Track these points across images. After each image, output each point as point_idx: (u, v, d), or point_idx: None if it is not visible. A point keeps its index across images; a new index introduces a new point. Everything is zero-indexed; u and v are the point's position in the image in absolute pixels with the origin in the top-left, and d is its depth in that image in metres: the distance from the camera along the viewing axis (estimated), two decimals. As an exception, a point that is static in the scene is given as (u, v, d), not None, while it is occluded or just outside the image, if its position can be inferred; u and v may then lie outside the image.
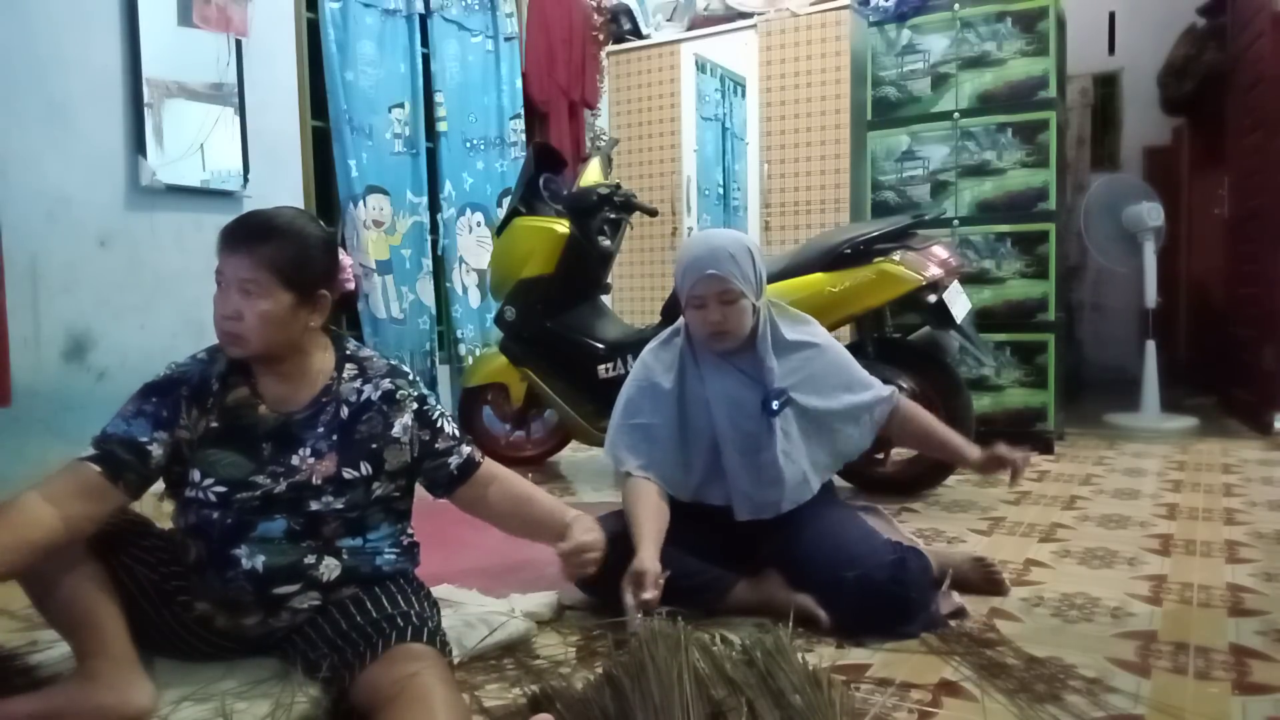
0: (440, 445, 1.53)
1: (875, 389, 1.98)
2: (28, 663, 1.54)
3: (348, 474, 1.43)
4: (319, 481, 1.42)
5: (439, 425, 1.53)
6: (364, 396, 1.48)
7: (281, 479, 1.40)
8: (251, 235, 1.38)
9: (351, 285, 1.58)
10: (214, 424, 1.42)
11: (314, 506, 1.41)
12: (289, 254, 1.39)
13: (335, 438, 1.44)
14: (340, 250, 1.52)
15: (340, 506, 1.43)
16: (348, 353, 1.53)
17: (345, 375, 1.49)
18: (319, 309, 1.45)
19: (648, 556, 1.65)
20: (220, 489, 1.39)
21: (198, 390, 1.43)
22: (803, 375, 1.92)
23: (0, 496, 1.29)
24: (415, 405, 1.51)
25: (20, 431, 2.58)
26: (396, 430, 1.48)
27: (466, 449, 1.57)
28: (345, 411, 1.46)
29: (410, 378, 1.55)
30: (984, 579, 1.92)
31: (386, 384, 1.49)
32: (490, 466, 1.60)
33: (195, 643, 1.45)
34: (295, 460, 1.42)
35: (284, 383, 1.46)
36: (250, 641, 1.45)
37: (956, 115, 3.87)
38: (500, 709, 1.40)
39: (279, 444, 1.43)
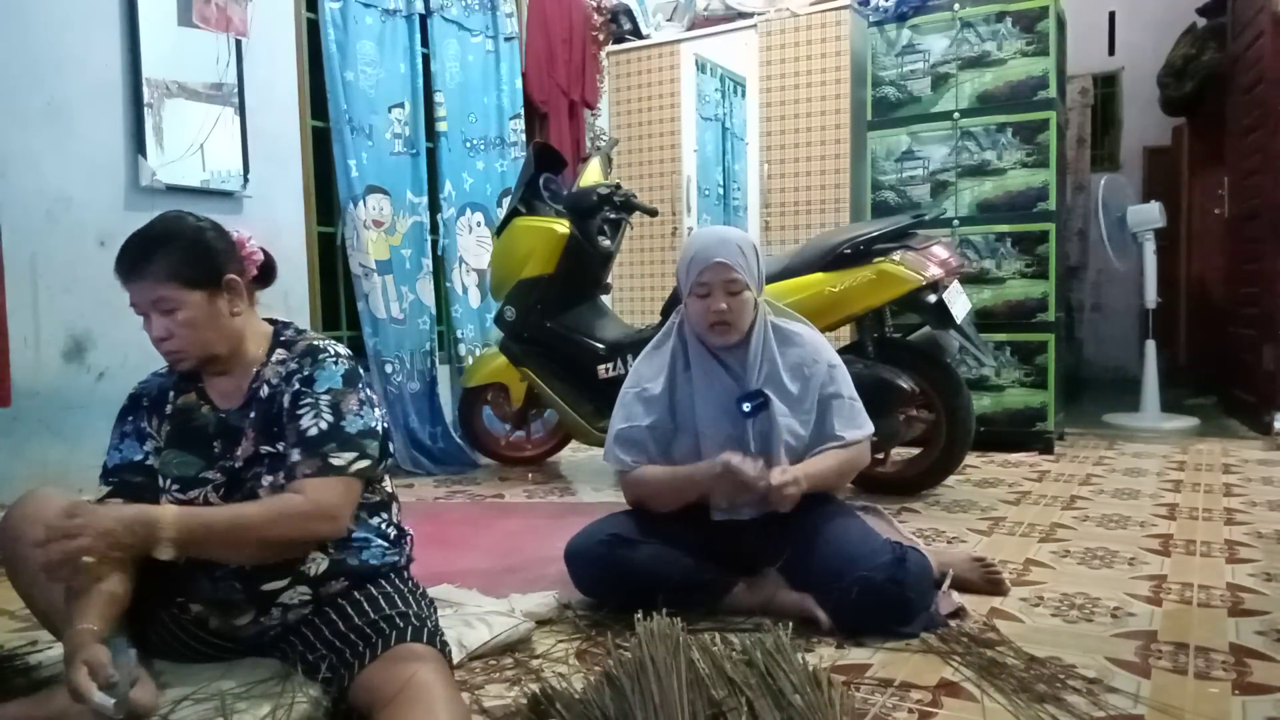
0: (291, 435, 1.41)
1: (853, 427, 1.89)
2: (28, 663, 1.54)
3: (264, 449, 1.43)
4: (240, 465, 1.43)
5: (300, 415, 1.41)
6: (281, 375, 1.48)
7: (225, 471, 1.44)
8: (137, 258, 1.39)
9: (261, 257, 1.55)
10: (168, 429, 1.48)
11: (256, 486, 1.41)
12: (177, 258, 1.39)
13: (253, 415, 1.45)
14: (231, 231, 1.51)
15: (273, 478, 1.41)
16: (283, 339, 1.53)
17: (274, 359, 1.50)
18: (234, 293, 1.45)
19: (720, 459, 1.72)
20: (176, 488, 1.44)
21: (156, 401, 1.51)
22: (791, 382, 1.88)
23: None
24: (296, 385, 1.44)
25: (20, 431, 2.57)
26: (285, 407, 1.45)
27: (296, 456, 1.38)
28: (265, 391, 1.47)
29: (322, 357, 1.46)
30: (984, 579, 1.92)
31: (293, 364, 1.48)
32: (293, 494, 1.37)
33: (194, 643, 1.45)
34: (239, 450, 1.45)
35: (226, 380, 1.49)
36: (246, 642, 1.45)
37: (956, 115, 3.87)
38: (500, 709, 1.40)
39: (227, 440, 1.46)
